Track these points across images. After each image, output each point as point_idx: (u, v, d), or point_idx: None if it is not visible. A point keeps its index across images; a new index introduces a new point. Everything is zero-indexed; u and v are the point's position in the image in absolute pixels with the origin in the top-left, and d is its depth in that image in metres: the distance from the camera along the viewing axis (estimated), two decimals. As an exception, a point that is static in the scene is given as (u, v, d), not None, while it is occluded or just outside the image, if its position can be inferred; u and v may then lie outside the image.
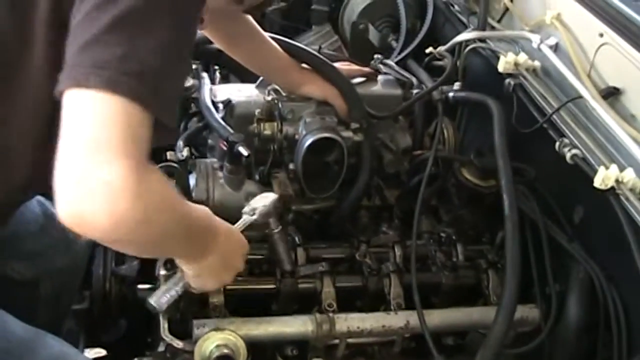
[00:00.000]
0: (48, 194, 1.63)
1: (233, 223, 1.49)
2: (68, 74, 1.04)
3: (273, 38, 1.91)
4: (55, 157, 1.03)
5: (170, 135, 1.15)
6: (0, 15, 1.16)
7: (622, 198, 1.49)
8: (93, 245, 1.89)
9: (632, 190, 1.48)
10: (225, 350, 1.40)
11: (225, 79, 2.21)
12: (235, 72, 2.25)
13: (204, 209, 1.33)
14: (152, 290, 1.61)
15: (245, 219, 1.54)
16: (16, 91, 1.21)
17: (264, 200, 1.60)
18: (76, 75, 1.03)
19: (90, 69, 1.02)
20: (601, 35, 1.71)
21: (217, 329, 1.43)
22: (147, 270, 1.77)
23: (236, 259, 1.45)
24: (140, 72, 1.03)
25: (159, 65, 1.07)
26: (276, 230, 1.66)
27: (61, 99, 1.04)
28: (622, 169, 1.50)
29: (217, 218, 1.38)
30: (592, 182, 1.51)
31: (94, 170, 0.98)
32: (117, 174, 0.98)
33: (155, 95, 1.05)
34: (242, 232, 1.50)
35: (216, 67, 2.16)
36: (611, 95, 1.66)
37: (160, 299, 1.42)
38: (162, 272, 1.55)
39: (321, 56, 1.94)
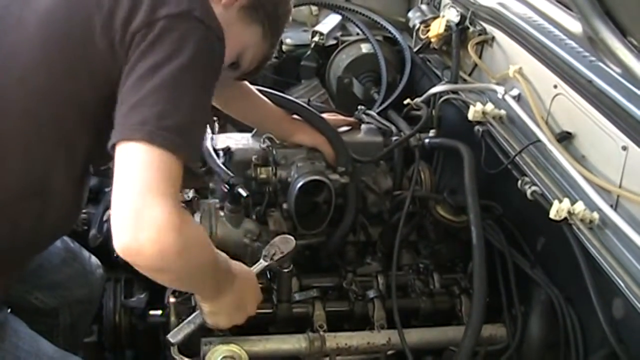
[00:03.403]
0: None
1: (245, 263, 1.58)
2: (119, 131, 1.23)
3: (267, 92, 2.02)
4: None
5: (198, 180, 1.35)
6: (57, 79, 1.34)
7: (574, 228, 1.61)
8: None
9: (582, 220, 1.60)
10: (231, 361, 1.49)
11: (222, 129, 2.30)
12: (231, 122, 2.35)
13: (224, 255, 1.47)
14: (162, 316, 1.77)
15: (262, 263, 1.62)
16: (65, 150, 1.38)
17: (285, 246, 1.64)
18: (125, 131, 1.22)
19: (136, 126, 1.21)
20: (555, 86, 1.84)
21: (223, 343, 1.53)
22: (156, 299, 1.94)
23: (249, 303, 1.56)
24: (174, 126, 1.22)
25: (190, 121, 1.26)
26: (287, 270, 1.73)
27: (113, 153, 1.22)
28: (573, 202, 1.62)
29: (235, 263, 1.52)
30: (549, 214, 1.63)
31: (145, 210, 1.16)
32: (163, 213, 1.17)
33: (187, 146, 1.24)
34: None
35: (215, 118, 2.22)
36: (565, 139, 1.79)
37: (177, 334, 1.53)
38: (172, 299, 1.71)
39: (310, 108, 2.04)
